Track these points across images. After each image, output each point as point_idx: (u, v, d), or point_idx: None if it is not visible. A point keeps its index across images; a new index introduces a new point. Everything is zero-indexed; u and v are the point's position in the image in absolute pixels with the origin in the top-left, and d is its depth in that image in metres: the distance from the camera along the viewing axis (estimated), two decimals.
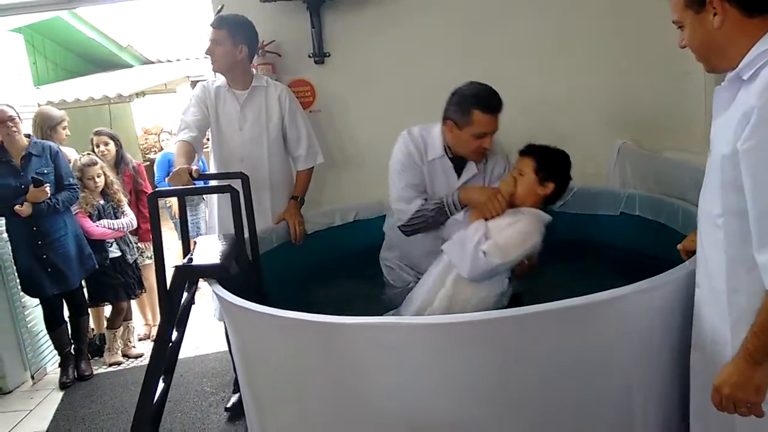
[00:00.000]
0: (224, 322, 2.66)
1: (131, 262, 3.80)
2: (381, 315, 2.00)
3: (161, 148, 5.37)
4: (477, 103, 2.04)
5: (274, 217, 2.61)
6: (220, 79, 2.61)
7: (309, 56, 2.97)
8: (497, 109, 2.06)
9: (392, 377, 1.52)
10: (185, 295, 1.94)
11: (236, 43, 2.49)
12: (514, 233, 1.92)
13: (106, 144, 3.93)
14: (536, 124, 2.94)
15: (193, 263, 1.86)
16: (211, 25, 2.52)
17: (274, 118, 2.60)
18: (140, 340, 4.16)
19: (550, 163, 2.05)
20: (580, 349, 1.52)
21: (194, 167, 2.20)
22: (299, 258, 2.58)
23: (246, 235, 2.07)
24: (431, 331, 1.47)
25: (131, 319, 3.97)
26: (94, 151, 3.91)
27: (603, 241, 2.60)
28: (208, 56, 2.54)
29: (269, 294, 2.10)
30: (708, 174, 1.35)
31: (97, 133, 3.99)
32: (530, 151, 2.08)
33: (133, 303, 4.03)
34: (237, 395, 2.83)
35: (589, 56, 2.93)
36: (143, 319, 4.27)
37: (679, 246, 1.70)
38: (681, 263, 1.60)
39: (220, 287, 1.82)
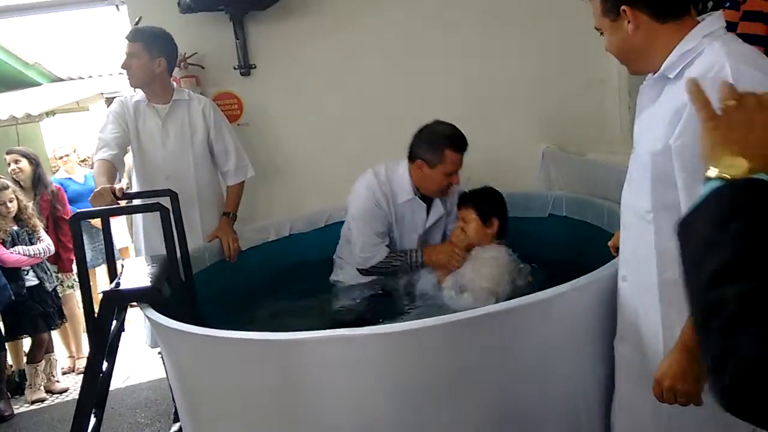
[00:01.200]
0: (159, 349, 2.56)
1: (50, 290, 3.59)
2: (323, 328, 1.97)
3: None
4: (450, 143, 2.17)
5: (205, 235, 2.52)
6: (139, 94, 2.51)
7: (234, 68, 2.90)
8: (465, 147, 2.21)
9: (340, 391, 1.50)
10: (114, 322, 1.85)
11: (154, 56, 2.40)
12: (488, 268, 2.10)
13: (17, 162, 3.69)
14: (468, 129, 3.02)
15: (123, 287, 1.77)
16: (126, 38, 2.42)
17: (198, 133, 2.53)
18: (64, 373, 3.91)
19: (487, 203, 2.22)
20: (518, 350, 1.54)
21: (118, 186, 2.10)
22: (235, 276, 2.51)
23: (178, 254, 1.99)
24: (380, 341, 1.46)
25: (53, 352, 3.73)
26: (9, 172, 3.68)
27: (534, 243, 2.68)
28: (125, 71, 2.43)
29: (205, 315, 2.03)
30: (632, 171, 1.38)
31: (9, 152, 3.75)
32: (466, 200, 2.25)
33: (55, 334, 3.79)
34: (177, 425, 2.70)
35: (512, 67, 3.02)
36: (66, 351, 4.02)
37: (609, 243, 1.77)
38: (610, 260, 1.67)
39: (153, 311, 1.74)
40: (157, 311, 1.73)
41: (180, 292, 1.98)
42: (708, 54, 1.18)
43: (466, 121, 2.97)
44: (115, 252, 4.13)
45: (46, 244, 3.54)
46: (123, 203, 2.12)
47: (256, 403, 1.61)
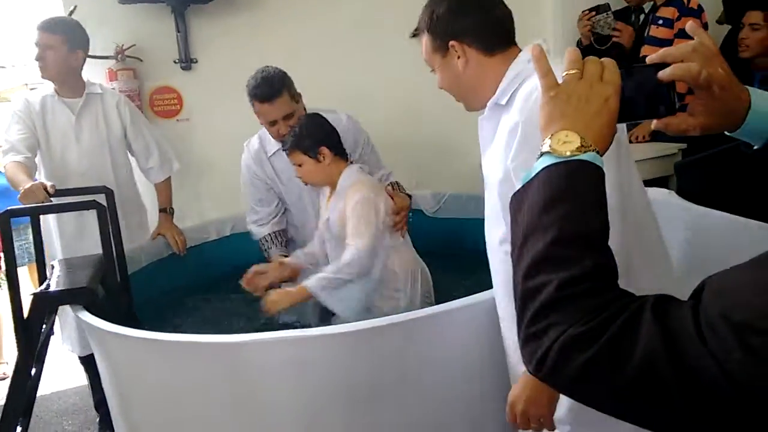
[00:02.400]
0: (80, 355, 2.44)
1: None
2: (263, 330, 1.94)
3: None
4: (253, 95, 2.07)
5: (128, 234, 2.40)
6: (47, 89, 2.38)
7: (175, 62, 2.82)
8: (269, 96, 2.03)
9: (284, 393, 1.48)
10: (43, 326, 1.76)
11: (72, 48, 2.30)
12: (354, 218, 1.88)
13: None
14: (403, 130, 3.05)
15: (55, 288, 1.68)
16: (40, 28, 2.28)
17: (114, 128, 2.43)
18: None
19: (305, 135, 1.96)
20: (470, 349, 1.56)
21: (49, 183, 1.99)
22: (172, 276, 2.43)
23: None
24: (320, 342, 1.45)
25: None
26: None
27: (476, 244, 2.73)
28: (38, 62, 2.29)
29: (142, 317, 1.96)
30: (487, 207, 1.33)
31: None
32: (286, 145, 2.00)
33: None
34: None
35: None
36: None
37: None
38: None
39: (86, 313, 1.66)
40: (91, 313, 1.65)
41: (115, 293, 1.90)
42: (535, 76, 1.18)
43: (409, 117, 3.03)
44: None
45: None
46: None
47: (196, 406, 1.56)
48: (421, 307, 1.83)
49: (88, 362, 2.46)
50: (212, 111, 2.94)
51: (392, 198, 2.07)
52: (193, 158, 2.62)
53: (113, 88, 2.69)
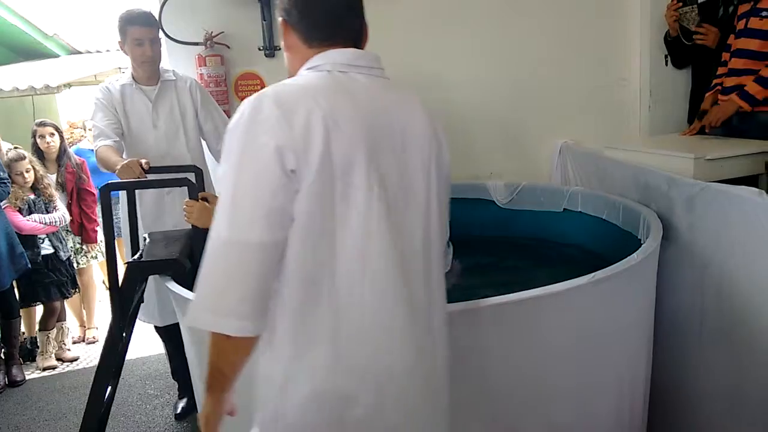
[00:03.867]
0: (158, 325, 2.58)
1: (64, 259, 3.63)
2: None
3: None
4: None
5: None
6: (125, 77, 2.52)
7: (259, 49, 2.92)
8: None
9: None
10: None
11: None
12: None
13: (52, 135, 3.73)
14: (484, 124, 3.04)
15: (148, 259, 1.80)
16: (146, 24, 2.41)
17: (188, 112, 2.55)
18: (74, 342, 3.97)
19: None
20: (534, 338, 1.57)
21: (144, 160, 2.13)
22: None
23: None
24: None
25: (65, 320, 3.78)
26: (36, 143, 3.71)
27: (548, 237, 2.71)
28: (151, 59, 2.44)
29: None
30: None
31: (42, 124, 3.77)
32: None
33: (67, 305, 3.84)
34: (184, 400, 2.76)
35: (534, 63, 3.03)
36: (77, 321, 4.07)
37: None
38: (624, 257, 1.69)
39: (174, 284, 1.78)
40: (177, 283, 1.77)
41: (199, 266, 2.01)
42: None
43: (488, 113, 3.02)
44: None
45: (61, 213, 3.59)
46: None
47: None
48: None
49: (166, 333, 2.62)
50: None
51: None
52: None
53: (201, 73, 2.83)
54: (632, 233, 2.16)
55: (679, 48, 2.82)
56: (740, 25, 2.48)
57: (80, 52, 8.96)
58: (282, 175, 0.98)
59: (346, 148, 1.03)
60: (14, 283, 3.36)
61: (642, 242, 1.89)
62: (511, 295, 1.50)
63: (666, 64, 2.98)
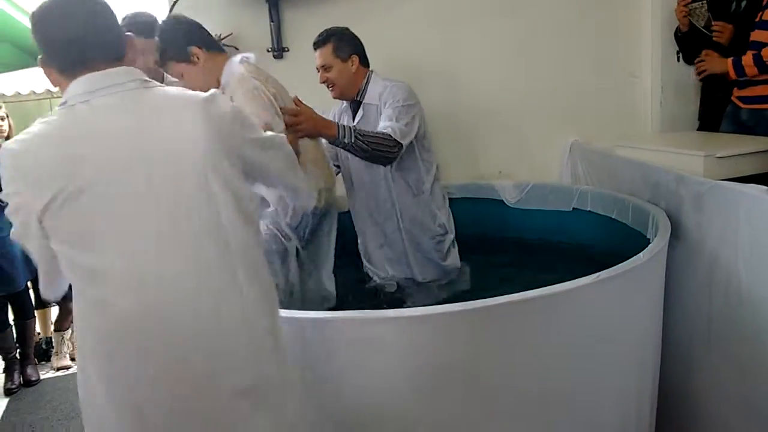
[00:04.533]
0: None
1: None
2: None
3: None
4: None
5: None
6: None
7: (267, 51, 2.93)
8: (315, 45, 2.29)
9: (365, 372, 1.53)
10: None
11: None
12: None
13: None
14: (493, 123, 3.02)
15: None
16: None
17: None
18: None
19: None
20: (539, 338, 1.56)
21: None
22: None
23: None
24: (406, 323, 1.49)
25: None
26: None
27: (557, 236, 2.69)
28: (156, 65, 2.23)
29: None
30: None
31: None
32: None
33: None
34: None
35: (543, 59, 3.01)
36: None
37: None
38: (633, 256, 1.68)
39: None
40: None
41: None
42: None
43: (496, 112, 3.00)
44: None
45: None
46: None
47: None
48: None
49: None
50: (301, 98, 3.02)
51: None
52: None
53: None
54: (641, 232, 2.13)
55: (690, 44, 2.78)
56: (759, 17, 2.44)
57: None
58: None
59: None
60: (29, 285, 3.40)
61: (651, 241, 1.86)
62: (513, 295, 1.49)
63: (678, 60, 2.94)
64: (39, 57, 1.22)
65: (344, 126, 1.98)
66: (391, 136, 2.04)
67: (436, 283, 2.40)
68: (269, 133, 1.41)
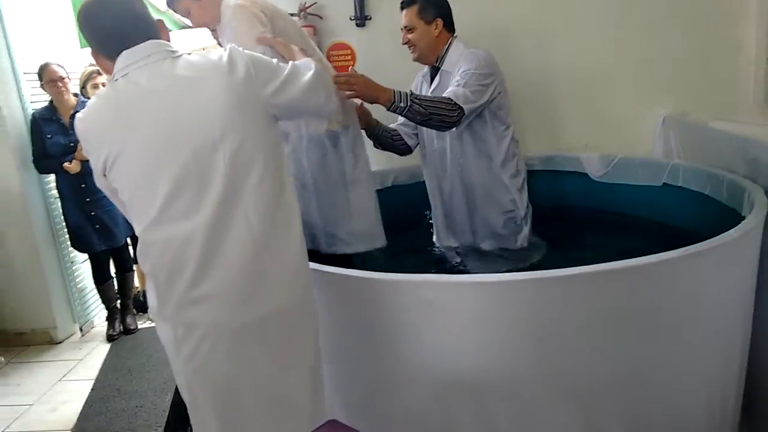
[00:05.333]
0: None
1: None
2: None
3: None
4: None
5: None
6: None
7: (351, 19, 2.96)
8: (401, 5, 2.23)
9: (434, 336, 1.56)
10: None
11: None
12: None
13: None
14: (580, 93, 2.91)
15: None
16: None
17: None
18: None
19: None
20: (626, 312, 1.51)
21: None
22: None
23: None
24: (476, 289, 1.50)
25: None
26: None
27: (644, 213, 2.58)
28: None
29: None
30: None
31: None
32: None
33: None
34: None
35: (634, 25, 2.84)
36: None
37: None
38: (723, 232, 1.59)
39: None
40: None
41: None
42: None
43: (583, 81, 2.89)
44: None
45: None
46: None
47: (346, 340, 1.71)
48: None
49: None
50: (382, 66, 3.03)
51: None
52: None
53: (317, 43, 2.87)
54: (737, 210, 2.01)
55: None
56: None
57: (191, 27, 9.42)
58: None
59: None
60: (128, 240, 3.66)
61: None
62: (595, 265, 1.46)
63: None
64: (90, 50, 1.41)
65: (399, 91, 1.97)
66: (452, 100, 2.00)
67: (501, 254, 2.34)
68: (281, 64, 1.50)
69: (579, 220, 2.73)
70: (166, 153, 1.32)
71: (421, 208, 2.59)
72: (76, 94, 3.48)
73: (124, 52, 1.35)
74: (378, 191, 2.75)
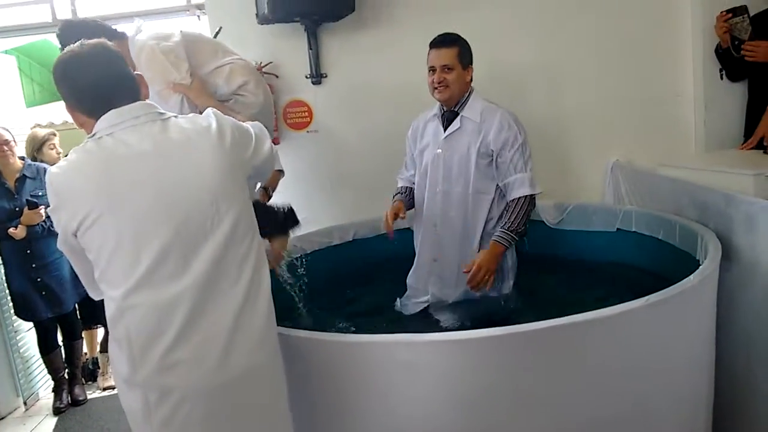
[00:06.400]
0: None
1: None
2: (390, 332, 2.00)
3: None
4: (431, 43, 2.25)
5: None
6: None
7: (306, 77, 3.00)
8: (440, 43, 2.22)
9: (406, 395, 1.52)
10: None
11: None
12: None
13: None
14: (532, 142, 2.98)
15: None
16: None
17: None
18: None
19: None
20: (588, 363, 1.53)
21: None
22: (299, 278, 2.57)
23: None
24: (446, 347, 1.48)
25: None
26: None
27: (600, 258, 2.63)
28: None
29: None
30: None
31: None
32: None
33: None
34: None
35: (584, 77, 2.98)
36: None
37: None
38: (682, 279, 1.63)
39: None
40: None
41: None
42: None
43: (536, 131, 2.97)
44: None
45: None
46: None
47: (318, 402, 1.66)
48: None
49: None
50: (340, 123, 3.08)
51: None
52: (321, 167, 2.76)
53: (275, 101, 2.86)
54: (690, 254, 2.08)
55: (731, 60, 2.72)
56: None
57: None
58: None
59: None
60: (77, 306, 3.50)
61: (700, 263, 1.81)
62: (560, 319, 1.47)
63: (721, 78, 2.88)
64: (65, 104, 1.38)
65: (501, 238, 2.15)
66: (531, 194, 2.21)
67: (470, 304, 2.33)
68: (246, 124, 1.55)
69: (540, 266, 2.76)
70: (157, 216, 1.30)
71: (382, 262, 2.59)
72: (22, 158, 3.36)
73: (113, 110, 1.34)
74: (338, 246, 2.78)
